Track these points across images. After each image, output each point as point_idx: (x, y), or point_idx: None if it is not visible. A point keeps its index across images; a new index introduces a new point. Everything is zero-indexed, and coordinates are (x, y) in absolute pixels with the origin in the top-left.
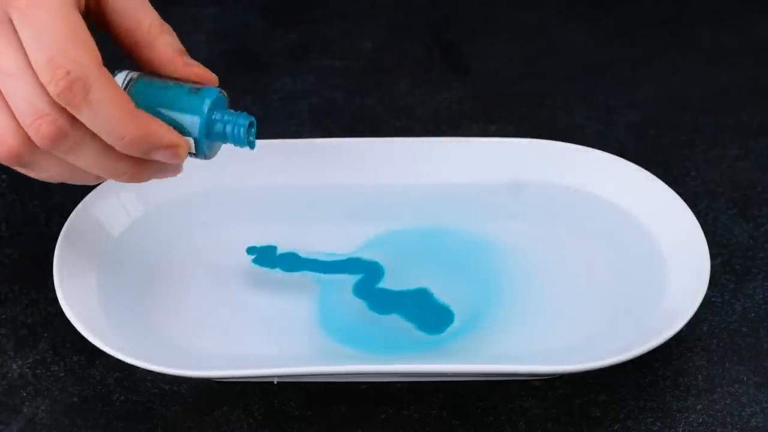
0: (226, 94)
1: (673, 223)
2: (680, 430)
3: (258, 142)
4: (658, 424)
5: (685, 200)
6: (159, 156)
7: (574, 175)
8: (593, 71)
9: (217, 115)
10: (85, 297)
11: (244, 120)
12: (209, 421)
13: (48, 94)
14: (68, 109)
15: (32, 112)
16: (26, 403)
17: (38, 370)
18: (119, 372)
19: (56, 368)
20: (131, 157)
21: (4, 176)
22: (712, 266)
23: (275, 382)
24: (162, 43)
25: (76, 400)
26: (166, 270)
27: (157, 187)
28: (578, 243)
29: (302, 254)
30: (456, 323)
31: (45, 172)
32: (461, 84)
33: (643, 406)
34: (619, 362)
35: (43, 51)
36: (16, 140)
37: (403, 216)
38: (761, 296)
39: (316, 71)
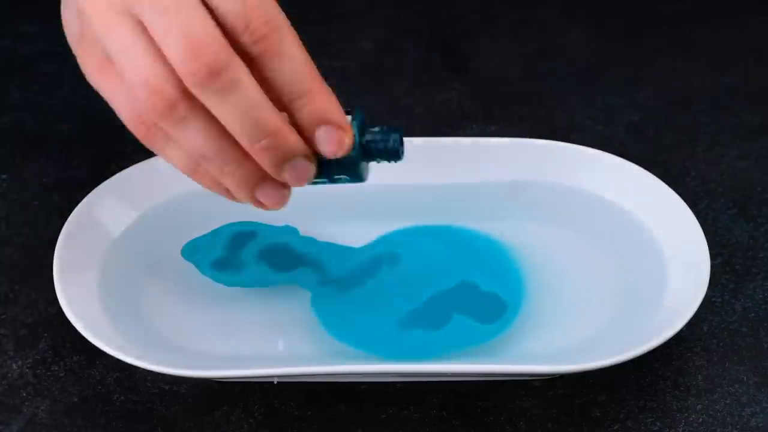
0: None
1: (673, 223)
2: (680, 430)
3: None
4: (658, 424)
5: (685, 200)
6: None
7: (574, 175)
8: (593, 71)
9: (368, 136)
10: (85, 297)
11: (395, 135)
12: (209, 421)
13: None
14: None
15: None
16: (26, 403)
17: (38, 370)
18: (119, 372)
19: (56, 368)
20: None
21: (4, 176)
22: (712, 266)
23: (275, 382)
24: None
25: (76, 400)
26: (165, 270)
27: (157, 187)
28: (578, 243)
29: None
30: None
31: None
32: (461, 84)
33: (643, 406)
34: (619, 362)
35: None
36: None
37: (402, 216)
38: (761, 296)
39: None
